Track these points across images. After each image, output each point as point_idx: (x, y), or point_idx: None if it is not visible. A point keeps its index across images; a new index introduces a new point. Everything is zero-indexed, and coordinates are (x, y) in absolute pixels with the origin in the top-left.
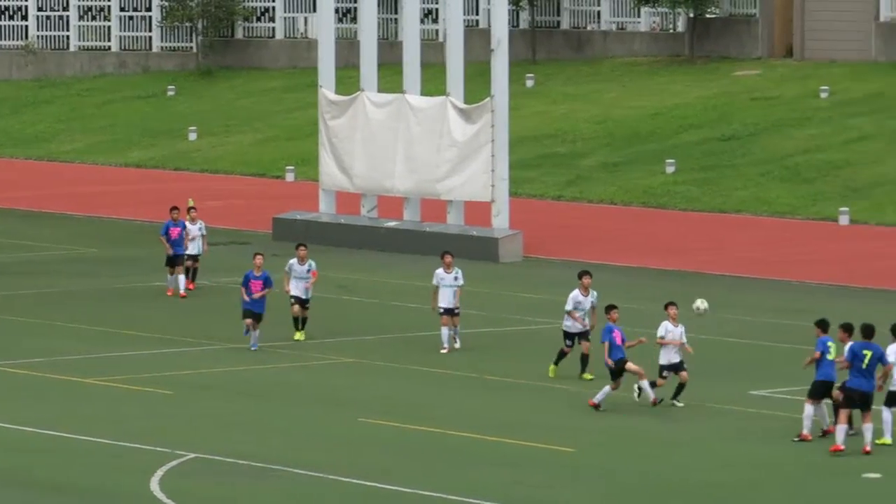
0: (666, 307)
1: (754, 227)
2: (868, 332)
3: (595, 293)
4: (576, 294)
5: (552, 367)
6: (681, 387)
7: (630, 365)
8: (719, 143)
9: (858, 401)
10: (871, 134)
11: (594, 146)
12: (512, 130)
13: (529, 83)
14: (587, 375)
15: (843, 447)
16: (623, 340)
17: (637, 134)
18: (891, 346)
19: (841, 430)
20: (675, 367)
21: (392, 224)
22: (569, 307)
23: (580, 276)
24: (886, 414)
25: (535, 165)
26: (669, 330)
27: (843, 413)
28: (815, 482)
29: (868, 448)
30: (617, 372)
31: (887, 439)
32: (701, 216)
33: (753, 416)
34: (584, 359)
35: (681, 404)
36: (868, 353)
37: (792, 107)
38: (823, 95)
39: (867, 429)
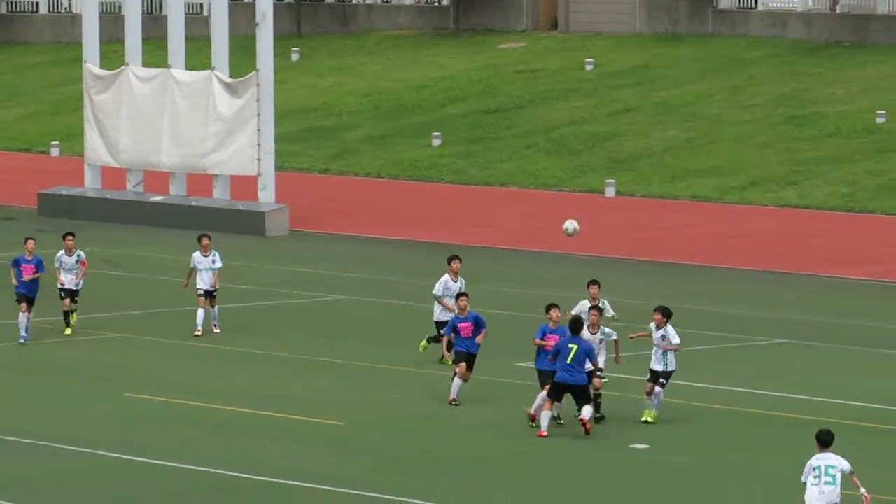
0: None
1: (521, 200)
2: (576, 326)
3: (462, 280)
4: (446, 279)
5: (424, 343)
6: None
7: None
8: (485, 115)
9: (562, 393)
10: (636, 106)
11: (360, 119)
12: (278, 104)
13: (295, 57)
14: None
15: (546, 433)
16: (475, 333)
17: (403, 107)
18: (669, 327)
19: (545, 417)
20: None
21: (158, 199)
22: (437, 292)
23: (449, 261)
24: (658, 389)
25: (302, 139)
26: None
27: (549, 402)
28: (584, 455)
29: (588, 426)
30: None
31: (654, 413)
32: (468, 189)
33: (520, 388)
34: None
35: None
36: (574, 347)
37: (557, 79)
38: (588, 68)
39: (586, 411)
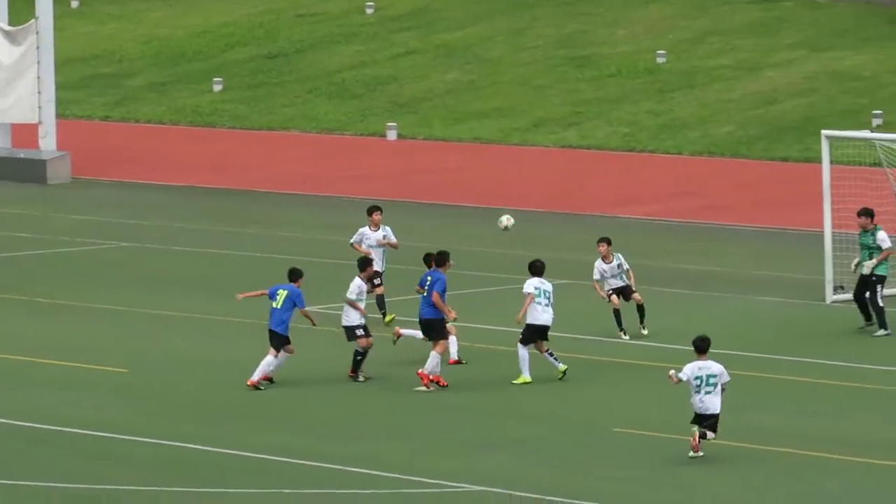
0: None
1: (303, 144)
2: (440, 260)
3: (388, 228)
4: (364, 230)
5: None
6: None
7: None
8: (266, 60)
9: (425, 330)
10: (417, 49)
11: (141, 66)
12: (58, 52)
13: (74, 4)
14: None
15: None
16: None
17: (183, 53)
18: (531, 279)
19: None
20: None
21: None
22: (355, 239)
23: (369, 213)
24: (523, 352)
25: (82, 87)
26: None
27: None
28: (363, 391)
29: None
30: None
31: (526, 378)
32: (250, 134)
33: (305, 333)
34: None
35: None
36: (429, 279)
37: (338, 23)
38: (369, 11)
39: (432, 356)
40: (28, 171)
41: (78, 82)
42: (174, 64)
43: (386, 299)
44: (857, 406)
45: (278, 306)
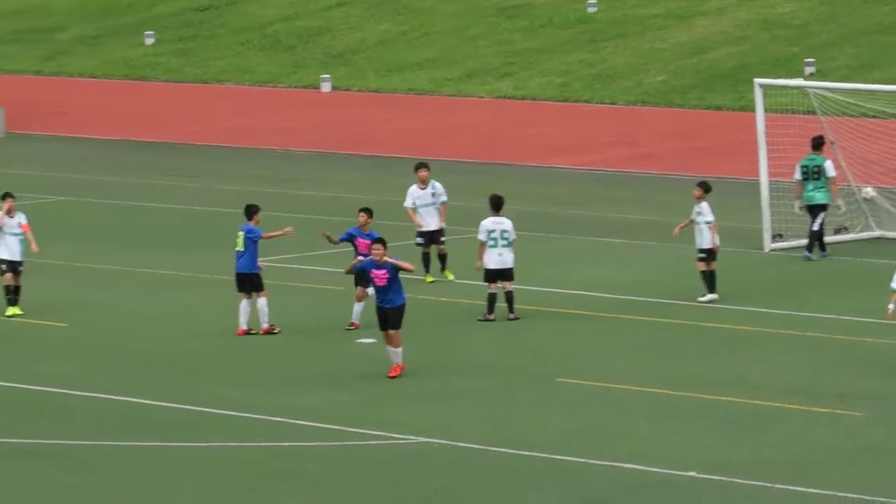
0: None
1: (236, 97)
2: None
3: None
4: (413, 189)
5: (428, 276)
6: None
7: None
8: (197, 13)
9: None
10: (349, 0)
11: (71, 19)
12: None
13: None
14: (448, 274)
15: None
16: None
17: (114, 6)
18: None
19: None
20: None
21: None
22: (408, 204)
23: (416, 170)
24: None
25: (12, 41)
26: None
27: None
28: (307, 343)
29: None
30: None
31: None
32: (183, 87)
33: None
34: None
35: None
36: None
37: None
38: None
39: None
40: None
41: (7, 37)
42: (104, 17)
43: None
44: (795, 354)
45: (240, 248)
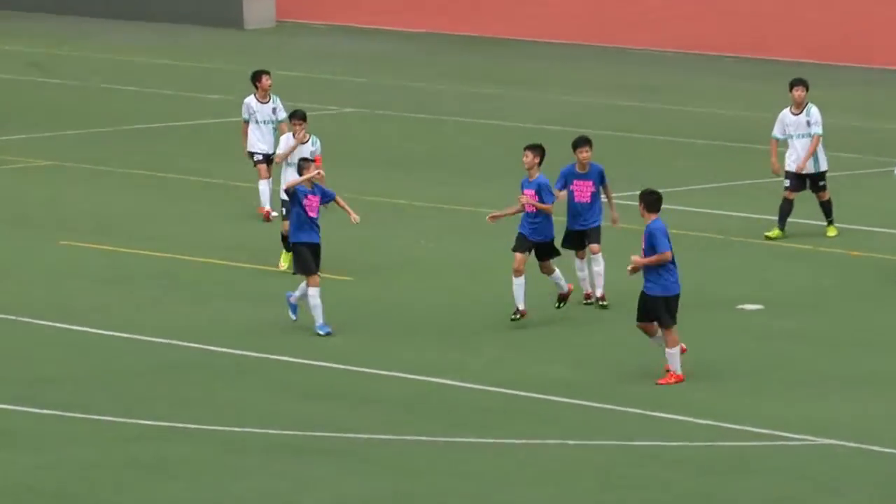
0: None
1: None
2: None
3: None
4: (784, 114)
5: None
6: None
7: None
8: None
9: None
10: None
11: None
12: None
13: None
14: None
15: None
16: None
17: None
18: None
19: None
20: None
21: None
22: (776, 133)
23: (792, 86)
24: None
25: None
26: None
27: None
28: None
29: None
30: None
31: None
32: None
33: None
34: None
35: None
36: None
37: None
38: None
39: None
40: (221, 12)
41: None
42: None
43: None
44: None
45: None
